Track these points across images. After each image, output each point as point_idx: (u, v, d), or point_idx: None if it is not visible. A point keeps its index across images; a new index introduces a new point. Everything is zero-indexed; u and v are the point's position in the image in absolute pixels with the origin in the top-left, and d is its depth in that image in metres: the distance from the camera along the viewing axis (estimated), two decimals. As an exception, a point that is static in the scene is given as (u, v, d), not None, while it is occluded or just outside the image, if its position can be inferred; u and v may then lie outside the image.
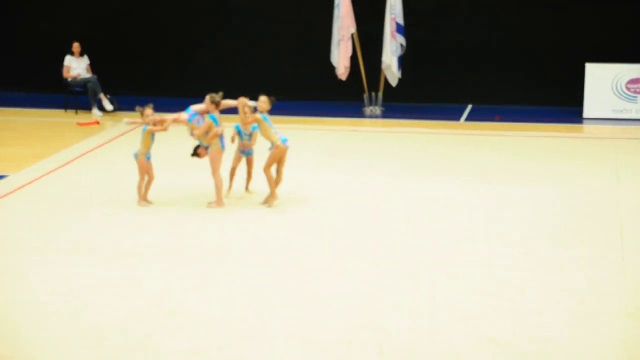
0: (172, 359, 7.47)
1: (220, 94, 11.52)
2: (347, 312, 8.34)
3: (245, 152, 11.99)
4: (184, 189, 12.46)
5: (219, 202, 11.59)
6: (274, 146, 11.48)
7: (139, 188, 11.73)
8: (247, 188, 12.20)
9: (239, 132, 11.86)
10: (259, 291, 8.86)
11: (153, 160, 11.72)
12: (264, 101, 11.51)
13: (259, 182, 11.94)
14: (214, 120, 11.42)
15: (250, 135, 11.88)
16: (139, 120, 11.72)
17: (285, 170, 11.78)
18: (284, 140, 11.53)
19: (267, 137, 11.53)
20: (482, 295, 8.74)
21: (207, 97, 11.47)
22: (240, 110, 11.57)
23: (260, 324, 8.10)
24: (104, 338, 7.83)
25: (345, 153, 14.87)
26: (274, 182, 11.65)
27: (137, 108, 11.65)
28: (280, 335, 7.87)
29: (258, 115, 11.47)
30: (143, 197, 11.75)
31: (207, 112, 11.48)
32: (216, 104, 11.44)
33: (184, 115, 11.59)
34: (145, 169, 11.66)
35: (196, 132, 11.51)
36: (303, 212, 11.54)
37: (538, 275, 9.26)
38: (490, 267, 9.49)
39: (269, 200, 11.71)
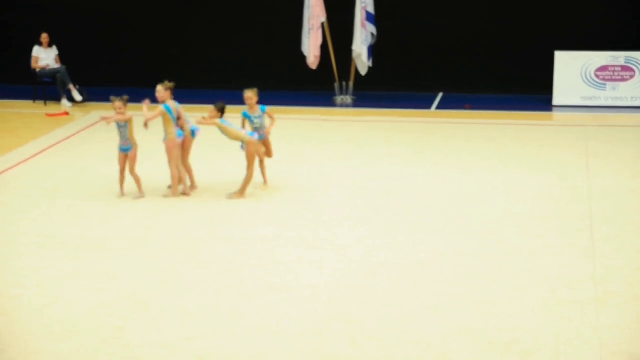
0: (143, 351, 7.46)
1: (173, 83, 11.51)
2: (317, 303, 8.34)
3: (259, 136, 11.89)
4: (154, 181, 12.39)
5: (174, 191, 11.67)
6: (245, 144, 11.50)
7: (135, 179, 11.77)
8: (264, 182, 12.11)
9: (247, 118, 11.82)
10: (229, 283, 8.85)
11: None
12: (210, 111, 11.50)
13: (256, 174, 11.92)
14: (168, 109, 11.38)
15: (261, 117, 11.84)
16: (111, 116, 11.62)
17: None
18: (252, 134, 11.55)
19: (235, 137, 11.51)
20: (452, 284, 8.76)
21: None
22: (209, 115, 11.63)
23: (231, 316, 8.09)
24: (74, 331, 7.80)
25: (316, 142, 14.83)
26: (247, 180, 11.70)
27: (112, 98, 11.58)
28: (250, 326, 7.87)
29: (217, 121, 11.43)
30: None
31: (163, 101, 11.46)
32: (170, 90, 11.43)
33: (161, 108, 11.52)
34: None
35: (147, 117, 11.48)
36: (274, 202, 11.52)
37: (508, 264, 9.31)
38: (461, 256, 9.52)
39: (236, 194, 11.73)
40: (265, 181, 12.04)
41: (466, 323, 7.89)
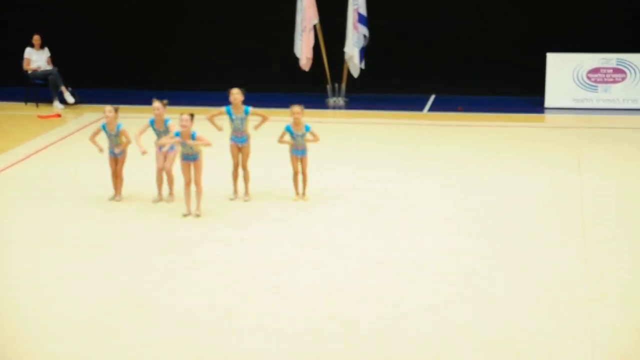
0: (139, 351, 7.46)
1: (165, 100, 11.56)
2: (314, 303, 8.36)
3: (298, 151, 11.74)
4: (150, 182, 12.39)
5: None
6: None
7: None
8: (303, 193, 11.80)
9: (290, 133, 11.63)
10: (225, 283, 8.86)
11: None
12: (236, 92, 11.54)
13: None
14: (177, 134, 11.37)
15: (303, 135, 11.63)
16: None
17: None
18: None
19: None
20: (449, 284, 8.79)
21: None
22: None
23: (227, 316, 8.10)
24: (72, 332, 7.80)
25: (309, 144, 14.82)
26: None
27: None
28: (247, 326, 7.88)
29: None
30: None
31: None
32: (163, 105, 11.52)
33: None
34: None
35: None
36: (269, 203, 11.53)
37: (504, 264, 9.33)
38: (457, 257, 9.55)
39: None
40: (303, 192, 11.75)
41: (462, 322, 7.91)
